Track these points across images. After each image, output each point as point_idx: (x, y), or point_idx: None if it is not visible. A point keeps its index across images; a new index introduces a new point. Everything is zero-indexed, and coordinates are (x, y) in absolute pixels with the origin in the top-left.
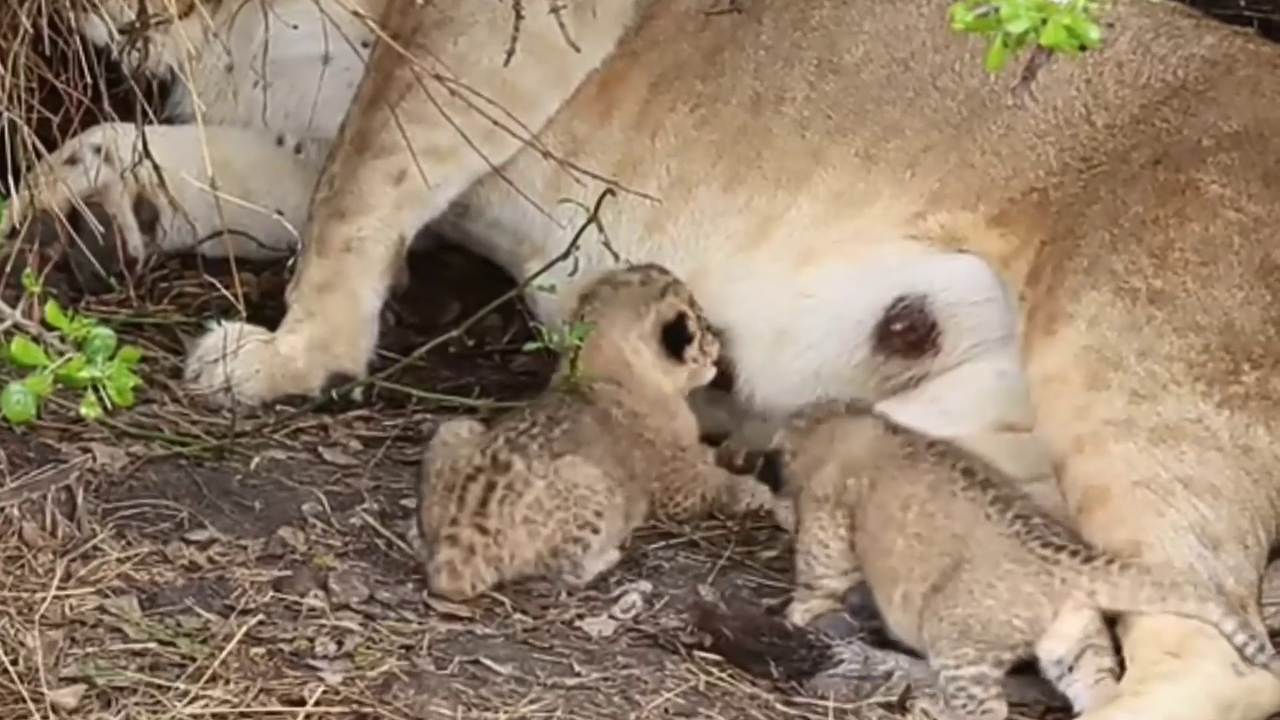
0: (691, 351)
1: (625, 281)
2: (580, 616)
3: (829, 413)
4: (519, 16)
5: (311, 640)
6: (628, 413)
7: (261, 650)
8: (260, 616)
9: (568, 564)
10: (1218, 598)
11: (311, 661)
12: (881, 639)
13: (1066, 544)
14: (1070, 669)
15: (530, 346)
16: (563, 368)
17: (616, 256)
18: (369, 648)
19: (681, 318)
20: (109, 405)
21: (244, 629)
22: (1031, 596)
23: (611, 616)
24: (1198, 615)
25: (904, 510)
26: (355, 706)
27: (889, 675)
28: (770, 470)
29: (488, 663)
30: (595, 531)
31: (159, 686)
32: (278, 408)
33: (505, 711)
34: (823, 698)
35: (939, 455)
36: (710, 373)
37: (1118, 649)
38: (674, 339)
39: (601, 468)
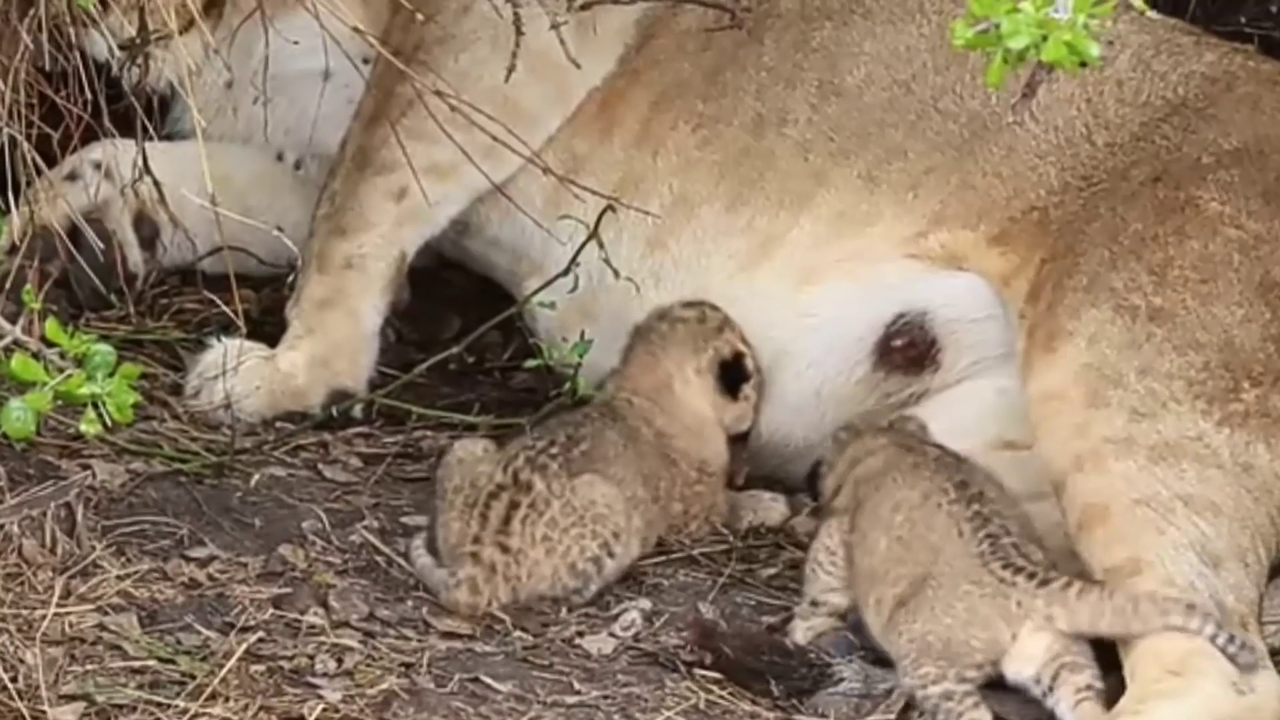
0: (746, 389)
1: (682, 318)
2: (580, 634)
3: (871, 428)
4: (519, 33)
5: (311, 658)
6: (657, 432)
7: (261, 668)
8: (260, 634)
9: (581, 583)
10: (1185, 607)
11: (311, 679)
12: (882, 657)
13: (1026, 566)
14: (1050, 688)
15: (530, 363)
16: (605, 389)
17: (617, 274)
18: (369, 665)
19: (739, 356)
20: (109, 422)
21: (244, 646)
22: (989, 618)
23: (611, 634)
24: (1169, 627)
25: (894, 513)
26: None
27: (889, 693)
28: (813, 480)
29: (488, 680)
30: (611, 555)
31: (159, 704)
32: (278, 424)
33: None
34: (823, 716)
35: (940, 465)
36: (750, 419)
37: (1116, 666)
38: (730, 376)
39: (621, 488)
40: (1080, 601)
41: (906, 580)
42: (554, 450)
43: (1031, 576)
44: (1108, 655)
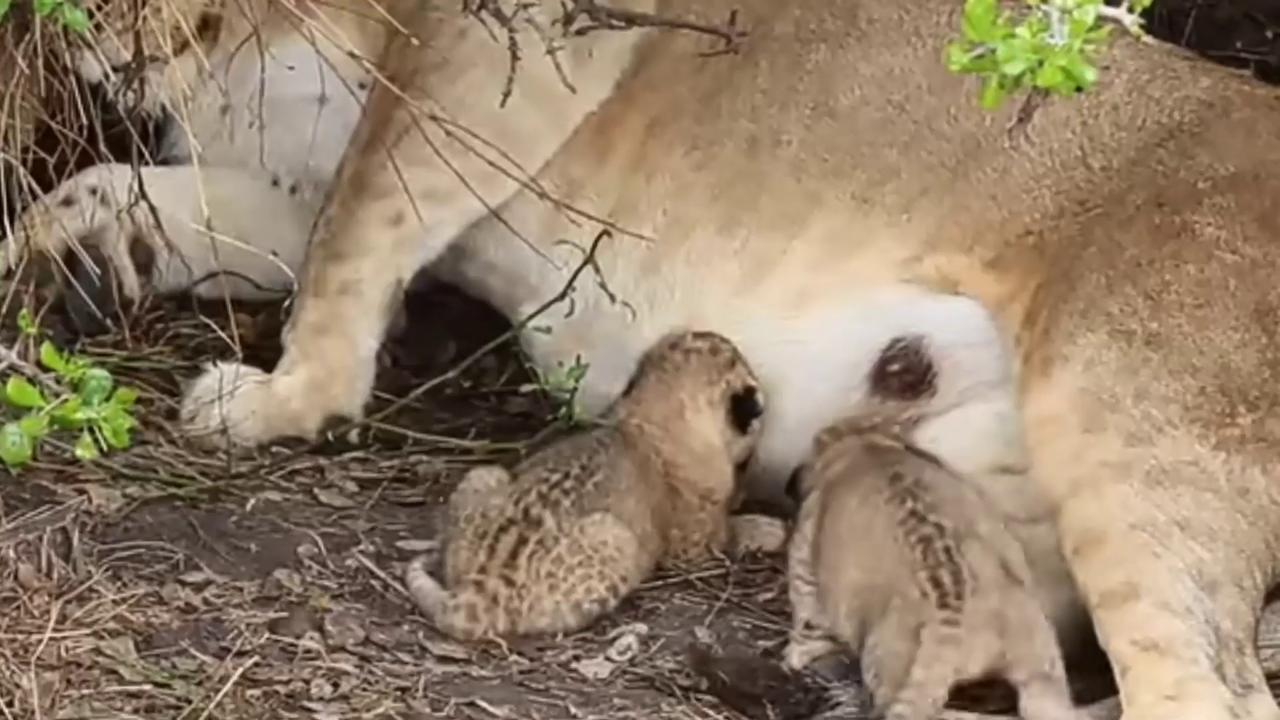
0: (754, 424)
1: (695, 349)
2: (576, 658)
3: (853, 429)
4: (516, 58)
5: (307, 682)
6: (665, 461)
7: (257, 692)
8: (256, 658)
9: (584, 622)
10: None
11: (307, 703)
12: None
13: (944, 581)
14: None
15: (526, 388)
16: (612, 412)
17: (613, 298)
18: (365, 690)
19: (750, 391)
20: (105, 447)
21: (240, 671)
22: (913, 633)
23: (608, 658)
24: None
25: (836, 522)
26: None
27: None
28: (793, 485)
29: (484, 705)
30: (618, 597)
31: None
32: (274, 449)
33: None
34: None
35: (878, 462)
36: (751, 450)
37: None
38: (741, 410)
39: (633, 528)
40: (939, 646)
41: (852, 591)
42: (568, 485)
43: (941, 592)
44: (1099, 657)
